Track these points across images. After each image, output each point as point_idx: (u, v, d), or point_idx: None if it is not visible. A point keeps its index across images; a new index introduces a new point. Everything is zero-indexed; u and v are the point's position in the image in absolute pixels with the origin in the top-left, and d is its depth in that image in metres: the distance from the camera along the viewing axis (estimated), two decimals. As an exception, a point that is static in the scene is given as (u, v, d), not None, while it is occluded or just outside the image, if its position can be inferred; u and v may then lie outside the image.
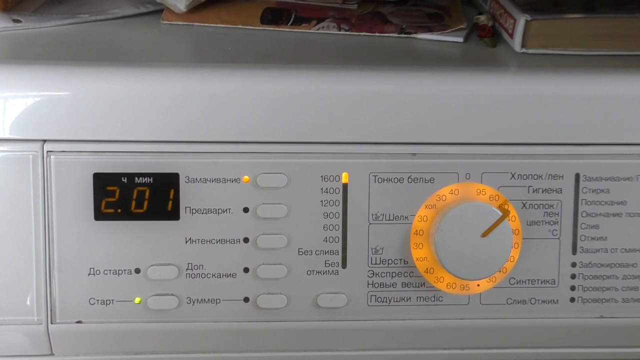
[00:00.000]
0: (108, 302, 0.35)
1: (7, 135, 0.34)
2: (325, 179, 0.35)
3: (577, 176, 0.36)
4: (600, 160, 0.35)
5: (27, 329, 0.35)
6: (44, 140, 0.34)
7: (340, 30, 0.43)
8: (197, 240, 0.35)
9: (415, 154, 0.35)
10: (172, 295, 0.35)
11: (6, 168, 0.34)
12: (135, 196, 0.34)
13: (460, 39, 0.42)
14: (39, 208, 0.34)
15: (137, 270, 0.35)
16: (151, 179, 0.34)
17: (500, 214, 0.34)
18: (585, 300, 0.36)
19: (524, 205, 0.35)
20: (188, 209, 0.34)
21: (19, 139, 0.34)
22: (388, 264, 0.36)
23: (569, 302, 0.36)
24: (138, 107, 0.34)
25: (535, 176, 0.35)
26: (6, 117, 0.33)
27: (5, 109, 0.33)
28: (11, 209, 0.34)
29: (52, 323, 0.35)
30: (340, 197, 0.35)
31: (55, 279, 0.34)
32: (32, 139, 0.34)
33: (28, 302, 0.34)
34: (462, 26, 0.43)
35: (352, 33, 0.43)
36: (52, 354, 0.36)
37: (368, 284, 0.36)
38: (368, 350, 0.37)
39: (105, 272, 0.34)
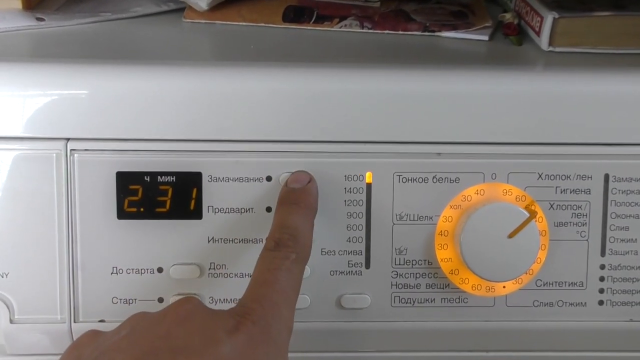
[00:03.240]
0: (131, 301, 0.35)
1: (31, 134, 0.34)
2: (349, 179, 0.34)
3: (607, 177, 0.35)
4: (630, 161, 0.35)
5: (50, 327, 0.35)
6: (68, 139, 0.34)
7: (363, 29, 0.42)
8: (219, 240, 0.34)
9: (440, 153, 0.34)
10: (194, 294, 0.35)
11: (30, 166, 0.34)
12: (158, 195, 0.34)
13: (486, 37, 0.41)
14: (62, 206, 0.34)
15: (160, 270, 0.35)
16: (174, 178, 0.34)
17: (527, 214, 0.33)
18: (614, 303, 0.36)
19: (552, 206, 0.35)
20: (211, 208, 0.34)
21: (43, 138, 0.34)
22: (412, 264, 0.35)
23: (598, 305, 0.36)
24: (161, 106, 0.34)
25: (563, 177, 0.35)
26: (30, 116, 0.33)
27: (29, 108, 0.33)
28: (35, 207, 0.34)
29: (75, 322, 0.35)
30: (364, 197, 0.35)
31: (78, 278, 0.34)
32: (56, 138, 0.34)
33: (51, 301, 0.34)
34: (487, 24, 0.42)
35: (375, 31, 0.42)
36: (74, 353, 0.36)
37: (392, 284, 0.35)
38: (391, 351, 0.37)
39: (128, 271, 0.34)
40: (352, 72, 0.35)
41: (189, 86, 0.34)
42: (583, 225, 0.35)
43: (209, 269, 0.35)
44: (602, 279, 0.36)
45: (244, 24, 0.43)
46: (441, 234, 0.35)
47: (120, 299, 0.35)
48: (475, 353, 0.37)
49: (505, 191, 0.35)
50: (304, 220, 0.32)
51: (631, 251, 0.35)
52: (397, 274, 0.35)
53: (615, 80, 0.35)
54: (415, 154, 0.34)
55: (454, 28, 0.42)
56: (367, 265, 0.35)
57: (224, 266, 0.35)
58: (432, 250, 0.35)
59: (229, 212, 0.34)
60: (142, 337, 0.27)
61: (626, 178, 0.35)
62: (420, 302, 0.35)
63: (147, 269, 0.34)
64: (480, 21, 0.42)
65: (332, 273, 0.35)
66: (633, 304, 0.36)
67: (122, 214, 0.34)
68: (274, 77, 0.34)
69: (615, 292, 0.36)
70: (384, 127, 0.34)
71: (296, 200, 0.33)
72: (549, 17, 0.38)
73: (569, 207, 0.35)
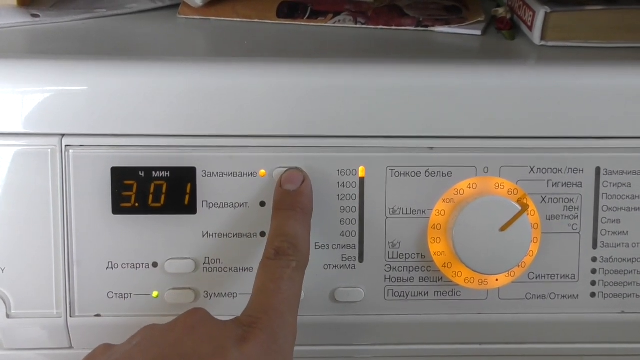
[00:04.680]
0: (126, 295, 0.35)
1: (26, 130, 0.34)
2: (342, 173, 0.35)
3: (598, 170, 0.35)
4: (621, 154, 0.35)
5: (46, 322, 0.35)
6: (62, 135, 0.34)
7: (356, 24, 0.42)
8: (214, 234, 0.35)
9: (432, 147, 0.35)
10: (189, 289, 0.35)
11: (25, 162, 0.34)
12: (152, 190, 0.34)
13: (478, 32, 0.41)
14: (58, 202, 0.34)
15: (155, 264, 0.35)
16: (168, 173, 0.34)
17: (519, 208, 0.34)
18: (606, 296, 0.36)
19: (543, 199, 0.35)
20: (205, 203, 0.34)
21: (38, 134, 0.34)
22: (405, 258, 0.35)
23: (590, 297, 0.36)
24: (155, 102, 0.34)
25: (555, 170, 0.35)
26: (25, 112, 0.34)
27: (24, 104, 0.34)
28: (30, 203, 0.34)
29: (71, 316, 0.35)
30: (357, 191, 0.35)
31: (74, 273, 0.35)
32: (51, 133, 0.34)
33: (47, 296, 0.35)
34: (480, 19, 0.42)
35: (368, 26, 0.42)
36: (71, 347, 0.36)
37: (385, 278, 0.35)
38: (385, 344, 0.37)
39: (124, 265, 0.35)
40: (346, 68, 0.35)
41: (184, 82, 0.34)
42: (575, 218, 0.35)
43: (204, 263, 0.35)
44: (594, 271, 0.36)
45: (238, 20, 0.43)
46: (434, 228, 0.35)
47: (116, 294, 0.35)
48: (468, 346, 0.37)
49: (497, 185, 0.35)
50: (302, 226, 0.32)
51: (623, 243, 0.36)
52: (391, 268, 0.35)
53: (606, 74, 0.35)
54: (408, 148, 0.35)
55: (447, 23, 0.42)
56: (361, 259, 0.35)
57: (218, 260, 0.35)
58: (425, 243, 0.35)
59: (223, 207, 0.35)
60: (153, 345, 0.28)
61: (617, 171, 0.35)
62: (414, 296, 0.36)
63: (142, 264, 0.35)
64: (473, 16, 0.43)
65: (325, 267, 0.35)
66: (625, 296, 0.36)
67: (117, 209, 0.34)
68: (268, 73, 0.34)
69: (607, 284, 0.36)
70: (376, 121, 0.34)
71: (292, 204, 0.33)
72: (541, 12, 0.38)
73: (561, 200, 0.35)
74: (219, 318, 0.35)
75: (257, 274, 0.31)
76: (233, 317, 0.30)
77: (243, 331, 0.28)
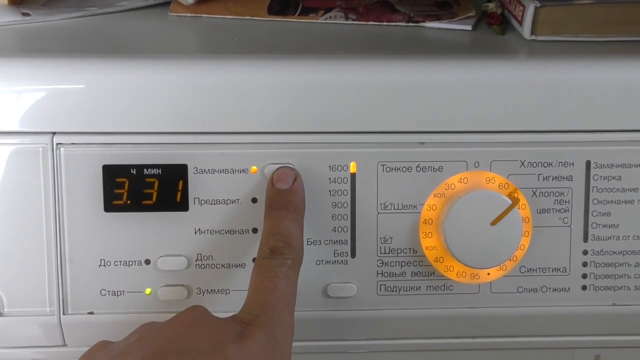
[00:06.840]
0: (119, 292, 0.35)
1: (17, 128, 0.34)
2: (333, 169, 0.35)
3: (588, 163, 0.35)
4: (611, 147, 0.35)
5: (39, 320, 0.35)
6: (54, 133, 0.34)
7: (347, 20, 0.43)
8: (206, 231, 0.35)
9: (423, 142, 0.35)
10: (182, 285, 0.35)
11: (17, 161, 0.34)
12: (144, 187, 0.34)
13: (469, 27, 0.41)
14: (50, 200, 0.34)
15: (147, 261, 0.35)
16: (160, 170, 0.34)
17: (510, 202, 0.34)
18: (597, 288, 0.36)
19: (534, 193, 0.35)
20: (197, 200, 0.34)
21: (29, 132, 0.34)
22: (397, 253, 0.35)
23: (581, 290, 0.36)
24: (146, 99, 0.34)
25: (545, 164, 0.35)
26: (16, 110, 0.34)
27: (15, 102, 0.34)
28: (22, 201, 0.34)
29: (64, 314, 0.35)
30: (348, 186, 0.35)
31: (66, 271, 0.35)
32: (42, 132, 0.34)
33: (40, 294, 0.35)
34: (470, 14, 0.42)
35: (359, 22, 0.42)
36: (64, 345, 0.36)
37: (377, 273, 0.36)
38: (378, 339, 0.37)
39: (116, 263, 0.35)
40: (337, 64, 0.35)
41: (175, 79, 0.34)
42: (565, 211, 0.35)
43: (196, 260, 0.35)
44: (585, 264, 0.36)
45: (230, 17, 0.43)
46: (425, 223, 0.35)
47: (109, 291, 0.35)
48: (461, 339, 0.37)
49: (488, 179, 0.35)
50: (295, 224, 0.33)
51: (613, 236, 0.36)
52: (383, 263, 0.36)
53: (596, 68, 0.35)
54: (399, 144, 0.35)
55: (438, 18, 0.42)
56: (353, 255, 0.35)
57: (210, 257, 0.35)
58: (417, 238, 0.35)
59: (215, 204, 0.35)
60: (151, 341, 0.28)
61: (607, 164, 0.35)
62: (406, 290, 0.36)
63: (135, 261, 0.35)
64: (464, 11, 0.43)
65: (318, 262, 0.35)
66: (616, 288, 0.36)
67: (109, 207, 0.34)
68: (259, 70, 0.34)
69: (598, 277, 0.36)
70: (367, 117, 0.34)
71: (285, 204, 0.33)
72: (531, 6, 0.38)
73: (552, 193, 0.35)
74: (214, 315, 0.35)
75: (253, 273, 0.31)
76: (227, 314, 0.30)
77: (242, 328, 0.29)
